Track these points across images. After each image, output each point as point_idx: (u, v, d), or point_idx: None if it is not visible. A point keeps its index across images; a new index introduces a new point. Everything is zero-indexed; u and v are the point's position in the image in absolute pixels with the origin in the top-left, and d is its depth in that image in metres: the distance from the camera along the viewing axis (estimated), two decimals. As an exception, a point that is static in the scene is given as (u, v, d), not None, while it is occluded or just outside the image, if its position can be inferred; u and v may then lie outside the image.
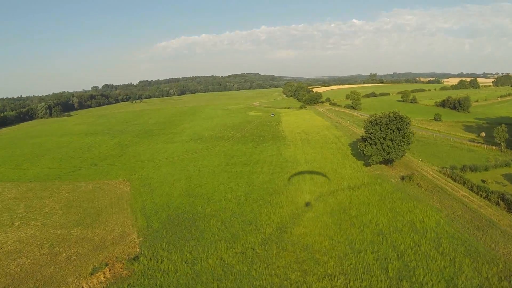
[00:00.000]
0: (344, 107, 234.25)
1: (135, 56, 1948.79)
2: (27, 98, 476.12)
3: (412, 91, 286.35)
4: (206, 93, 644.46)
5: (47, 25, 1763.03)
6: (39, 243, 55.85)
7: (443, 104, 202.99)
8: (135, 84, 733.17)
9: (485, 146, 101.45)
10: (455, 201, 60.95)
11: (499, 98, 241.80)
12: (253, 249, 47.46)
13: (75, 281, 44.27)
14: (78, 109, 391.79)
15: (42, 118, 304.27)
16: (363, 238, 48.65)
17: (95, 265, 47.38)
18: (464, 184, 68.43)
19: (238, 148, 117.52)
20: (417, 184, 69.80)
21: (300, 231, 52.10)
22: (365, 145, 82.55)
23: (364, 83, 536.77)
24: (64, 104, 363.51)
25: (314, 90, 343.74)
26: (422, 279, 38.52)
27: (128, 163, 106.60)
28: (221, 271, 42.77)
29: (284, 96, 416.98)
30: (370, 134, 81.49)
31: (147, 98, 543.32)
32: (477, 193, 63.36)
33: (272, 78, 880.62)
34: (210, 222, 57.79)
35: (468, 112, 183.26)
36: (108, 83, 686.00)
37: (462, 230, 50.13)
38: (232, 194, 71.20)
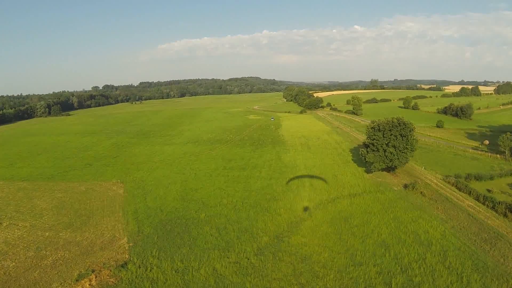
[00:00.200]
0: (345, 112, 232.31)
1: (137, 57, 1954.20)
2: (27, 96, 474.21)
3: (414, 98, 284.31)
4: (206, 95, 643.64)
5: (52, 25, 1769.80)
6: (25, 245, 53.61)
7: (445, 111, 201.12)
8: (135, 85, 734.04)
9: (489, 154, 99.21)
10: (460, 211, 58.47)
11: (501, 106, 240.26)
12: (248, 259, 44.85)
13: (59, 287, 41.84)
14: (77, 109, 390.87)
15: (41, 116, 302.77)
16: (364, 249, 46.08)
17: (81, 271, 45.07)
18: (469, 193, 66.03)
19: (236, 152, 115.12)
20: (421, 192, 67.26)
21: (298, 241, 49.52)
22: (367, 152, 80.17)
23: (365, 89, 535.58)
24: (63, 104, 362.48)
25: (315, 95, 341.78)
26: (428, 296, 36.03)
27: (123, 164, 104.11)
28: (213, 282, 40.19)
29: (285, 100, 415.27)
30: (373, 140, 79.15)
31: (147, 99, 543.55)
32: (483, 203, 60.93)
33: (273, 82, 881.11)
34: (204, 228, 55.20)
35: (470, 119, 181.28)
36: (109, 84, 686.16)
37: (469, 243, 47.64)
38: (228, 199, 68.60)
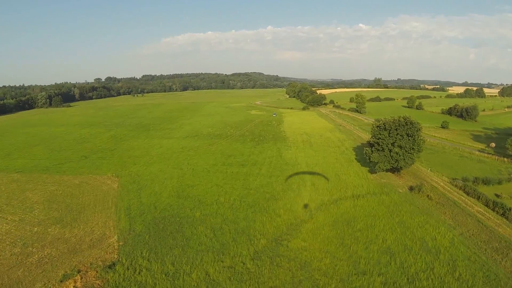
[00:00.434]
0: (348, 110, 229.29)
1: (141, 50, 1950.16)
2: (29, 87, 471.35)
3: (418, 97, 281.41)
4: (208, 90, 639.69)
5: (58, 18, 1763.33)
6: (12, 240, 51.20)
7: (449, 111, 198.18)
8: (138, 78, 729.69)
9: (496, 157, 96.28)
10: (469, 218, 55.46)
11: (506, 109, 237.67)
12: (244, 264, 41.95)
13: (42, 288, 39.34)
14: (79, 100, 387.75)
15: (41, 107, 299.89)
16: (368, 256, 43.13)
17: (67, 271, 42.60)
18: (478, 198, 63.00)
19: (236, 147, 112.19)
20: (427, 196, 64.21)
21: (298, 245, 46.54)
22: (372, 151, 77.08)
23: (368, 88, 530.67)
24: (65, 95, 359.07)
25: (318, 92, 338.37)
26: (437, 311, 33.21)
27: (120, 157, 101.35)
28: (205, 288, 37.44)
29: (287, 96, 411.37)
30: (378, 139, 76.03)
31: (149, 92, 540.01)
32: (493, 210, 57.95)
33: (276, 78, 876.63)
34: (199, 228, 52.31)
35: (476, 121, 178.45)
36: (112, 76, 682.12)
37: (479, 252, 44.72)
38: (226, 197, 65.65)
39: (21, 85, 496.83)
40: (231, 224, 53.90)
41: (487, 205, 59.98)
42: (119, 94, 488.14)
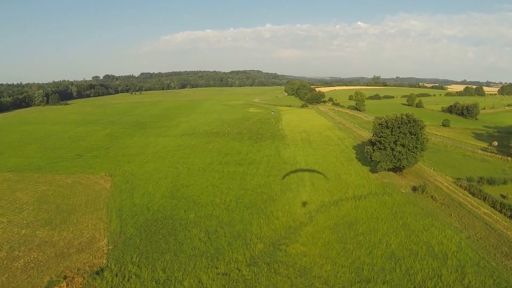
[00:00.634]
0: (348, 108, 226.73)
1: (139, 48, 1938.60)
2: (27, 85, 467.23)
3: (417, 95, 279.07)
4: (207, 87, 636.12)
5: (55, 15, 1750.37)
6: (-2, 244, 48.71)
7: (450, 110, 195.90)
8: (136, 76, 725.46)
9: (499, 156, 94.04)
10: (476, 220, 53.10)
11: (506, 107, 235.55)
12: (239, 271, 39.48)
13: (26, 295, 37.16)
14: (76, 98, 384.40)
15: (39, 105, 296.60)
16: (372, 262, 40.67)
17: (52, 278, 40.40)
18: (484, 199, 60.64)
19: (233, 146, 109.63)
20: (431, 196, 61.78)
21: (296, 250, 44.02)
22: (373, 150, 74.64)
23: (367, 85, 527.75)
24: (62, 93, 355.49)
25: (317, 89, 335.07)
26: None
27: (114, 156, 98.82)
28: (198, 298, 34.97)
29: (286, 94, 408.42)
30: (380, 137, 73.58)
31: (147, 90, 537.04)
32: (500, 211, 55.60)
33: (275, 76, 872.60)
34: (192, 231, 49.82)
35: (476, 119, 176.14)
36: (110, 74, 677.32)
37: (488, 257, 42.38)
38: (222, 198, 63.16)
39: (19, 83, 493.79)
40: (226, 227, 51.47)
41: (494, 207, 57.62)
42: (117, 92, 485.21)
